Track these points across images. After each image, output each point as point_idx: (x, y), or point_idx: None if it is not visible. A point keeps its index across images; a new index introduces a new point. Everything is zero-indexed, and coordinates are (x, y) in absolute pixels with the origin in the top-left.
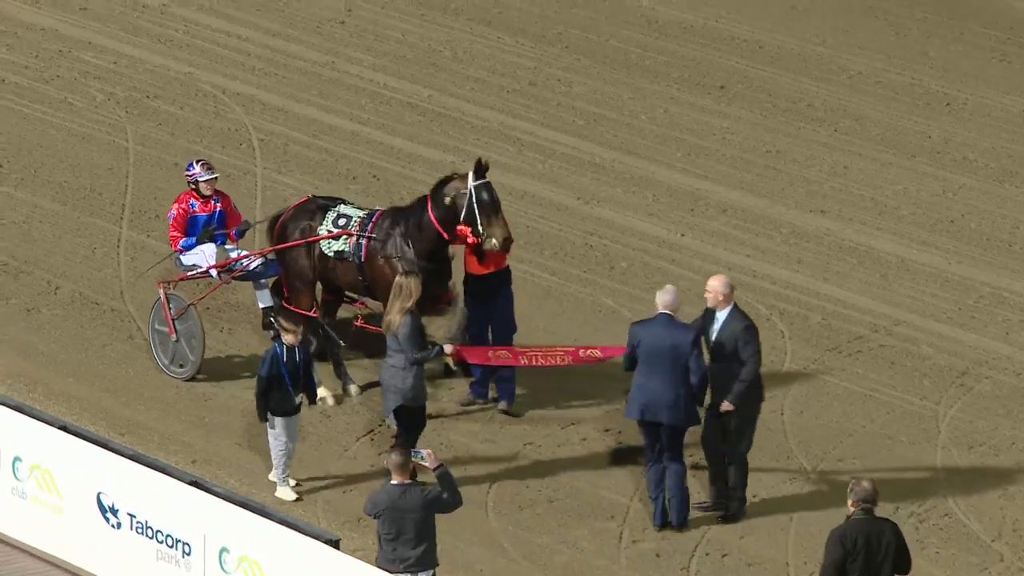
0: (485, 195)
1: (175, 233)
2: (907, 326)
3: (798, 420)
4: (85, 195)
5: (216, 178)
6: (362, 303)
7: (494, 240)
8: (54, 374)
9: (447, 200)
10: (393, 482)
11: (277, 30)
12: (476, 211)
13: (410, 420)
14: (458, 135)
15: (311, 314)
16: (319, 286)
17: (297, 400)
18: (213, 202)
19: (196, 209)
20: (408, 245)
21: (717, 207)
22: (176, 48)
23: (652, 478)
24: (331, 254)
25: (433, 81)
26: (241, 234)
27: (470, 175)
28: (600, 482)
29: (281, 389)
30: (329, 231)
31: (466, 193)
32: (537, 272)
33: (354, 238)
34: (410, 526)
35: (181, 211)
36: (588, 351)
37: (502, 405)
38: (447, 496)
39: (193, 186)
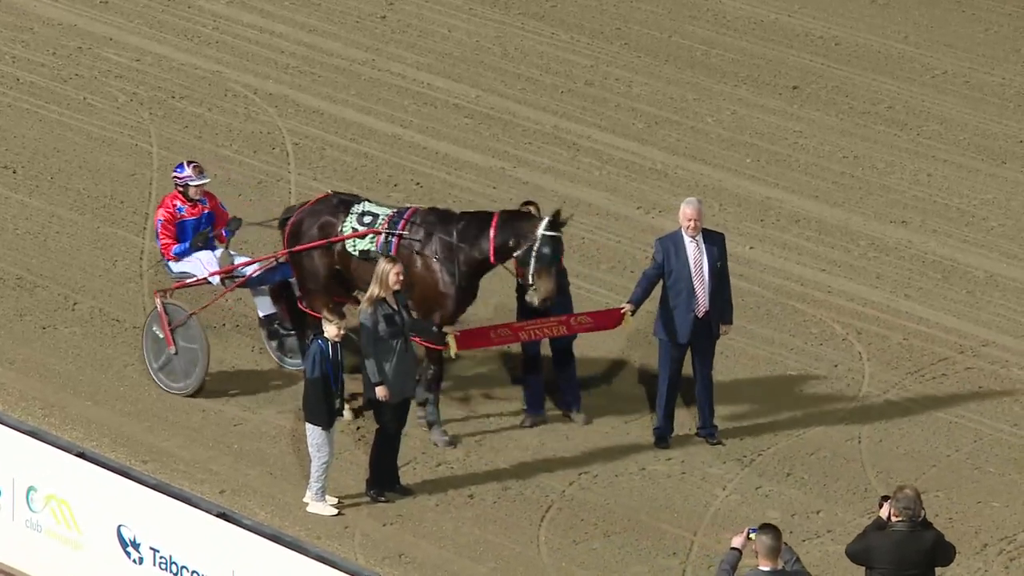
0: (547, 250)
1: (166, 240)
2: (996, 347)
3: (877, 449)
4: (105, 203)
5: (208, 182)
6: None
7: (536, 294)
8: (71, 397)
9: (511, 237)
10: (763, 568)
11: (313, 26)
12: (532, 260)
13: (389, 414)
14: (508, 139)
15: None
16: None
17: (338, 404)
18: (200, 204)
19: (184, 213)
20: (453, 250)
21: (789, 217)
22: (204, 45)
23: (669, 390)
24: (356, 253)
25: (481, 80)
26: (232, 234)
27: (543, 223)
28: (660, 515)
29: (326, 391)
30: (354, 229)
31: (532, 240)
32: (594, 287)
33: (382, 236)
34: None
35: (168, 215)
36: (578, 318)
37: (578, 417)
38: None
39: (181, 189)
